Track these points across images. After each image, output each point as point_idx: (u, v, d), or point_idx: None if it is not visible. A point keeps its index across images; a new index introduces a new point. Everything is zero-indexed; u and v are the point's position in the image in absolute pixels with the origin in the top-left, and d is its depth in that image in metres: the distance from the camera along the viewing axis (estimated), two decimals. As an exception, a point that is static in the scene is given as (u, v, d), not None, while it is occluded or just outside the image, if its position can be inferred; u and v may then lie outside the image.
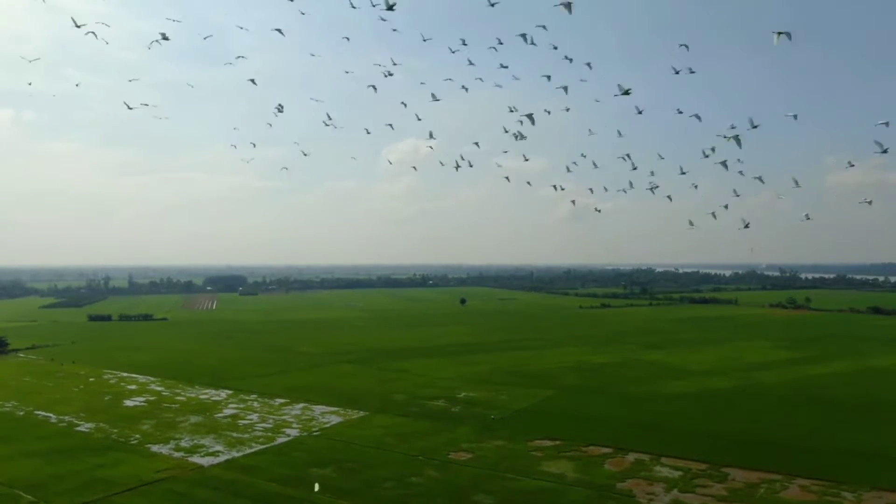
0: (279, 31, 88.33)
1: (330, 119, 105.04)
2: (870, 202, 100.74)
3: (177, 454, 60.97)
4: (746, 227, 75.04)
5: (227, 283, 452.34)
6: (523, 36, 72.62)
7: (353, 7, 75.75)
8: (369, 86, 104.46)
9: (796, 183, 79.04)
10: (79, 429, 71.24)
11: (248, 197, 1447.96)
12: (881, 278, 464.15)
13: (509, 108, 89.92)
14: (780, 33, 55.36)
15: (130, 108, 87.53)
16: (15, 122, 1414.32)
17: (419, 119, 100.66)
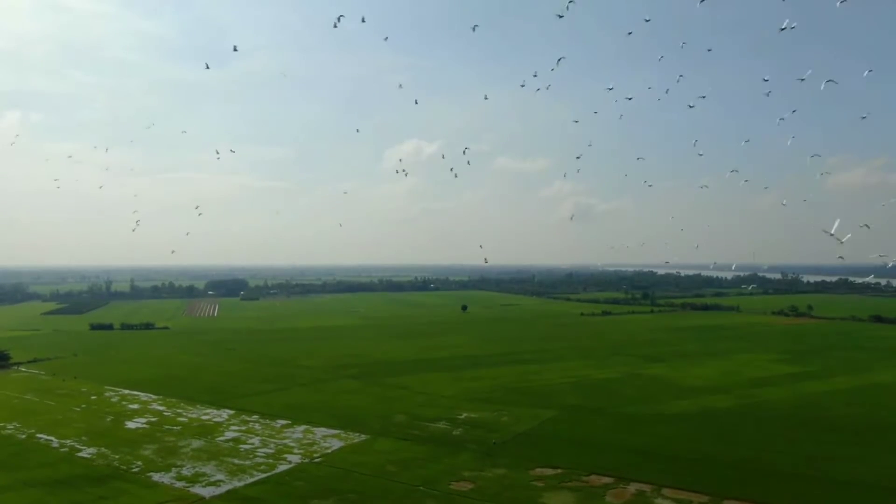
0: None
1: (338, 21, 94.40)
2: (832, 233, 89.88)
3: (178, 483, 61.03)
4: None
5: (229, 287, 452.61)
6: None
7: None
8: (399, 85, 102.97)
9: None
10: (80, 455, 71.35)
11: (250, 197, 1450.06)
12: (883, 282, 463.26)
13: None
14: None
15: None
16: (22, 124, 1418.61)
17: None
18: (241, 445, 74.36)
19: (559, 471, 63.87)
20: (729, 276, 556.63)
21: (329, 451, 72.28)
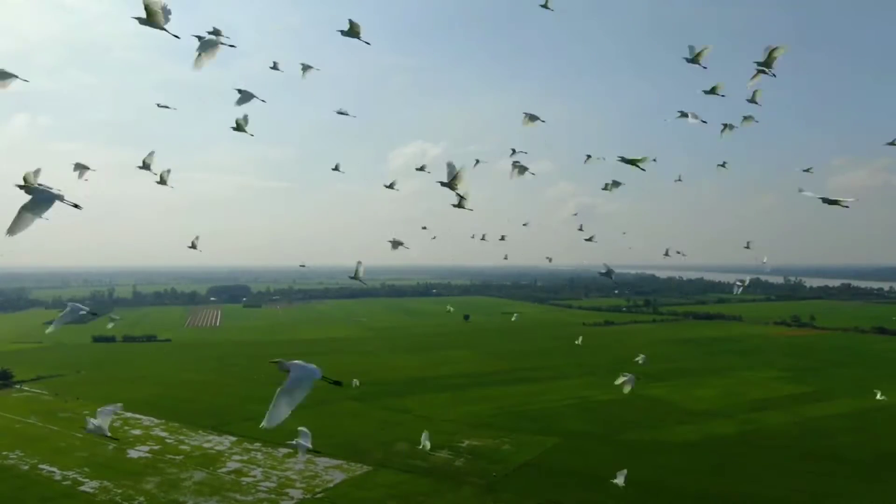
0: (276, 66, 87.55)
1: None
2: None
3: (180, 523, 61.20)
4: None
5: (231, 293, 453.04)
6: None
7: None
8: None
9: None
10: (83, 488, 71.60)
11: (251, 197, 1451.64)
12: (886, 287, 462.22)
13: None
14: None
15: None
16: (30, 125, 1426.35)
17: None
18: (244, 478, 74.51)
19: (561, 509, 63.93)
20: (731, 279, 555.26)
21: (331, 484, 72.39)
